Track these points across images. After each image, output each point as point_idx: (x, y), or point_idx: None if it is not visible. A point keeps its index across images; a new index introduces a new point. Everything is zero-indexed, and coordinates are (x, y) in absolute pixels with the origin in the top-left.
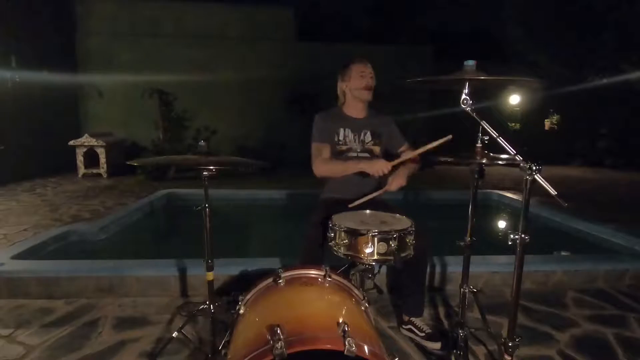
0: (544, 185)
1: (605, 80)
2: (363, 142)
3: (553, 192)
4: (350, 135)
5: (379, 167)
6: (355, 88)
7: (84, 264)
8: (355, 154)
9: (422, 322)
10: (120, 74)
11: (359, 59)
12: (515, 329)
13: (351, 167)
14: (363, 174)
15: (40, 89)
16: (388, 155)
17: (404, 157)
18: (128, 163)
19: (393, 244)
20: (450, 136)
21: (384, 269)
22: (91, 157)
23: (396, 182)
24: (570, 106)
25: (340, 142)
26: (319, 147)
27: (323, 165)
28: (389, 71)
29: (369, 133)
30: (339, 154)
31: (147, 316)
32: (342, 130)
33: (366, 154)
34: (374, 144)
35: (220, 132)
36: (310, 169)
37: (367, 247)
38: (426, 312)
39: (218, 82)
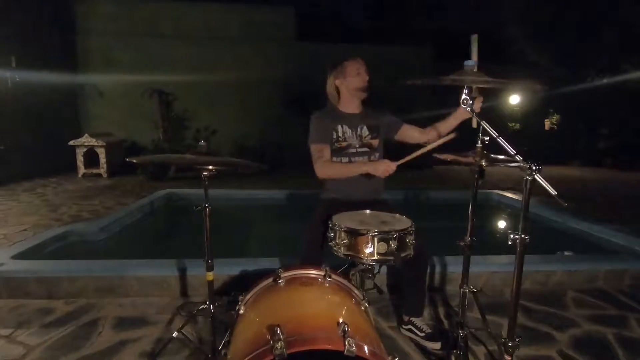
0: (544, 185)
1: (605, 80)
2: (361, 137)
3: (553, 192)
4: (349, 132)
5: (384, 168)
6: (352, 86)
7: (84, 264)
8: (354, 150)
9: (422, 322)
10: (120, 74)
11: (352, 57)
12: (515, 329)
13: (355, 170)
14: (364, 174)
15: (40, 89)
16: (389, 145)
17: (409, 156)
18: (127, 160)
19: (393, 244)
20: (453, 134)
21: (384, 269)
22: (91, 157)
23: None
24: (570, 106)
25: (340, 139)
26: (320, 148)
27: (326, 169)
28: (389, 71)
29: (365, 127)
30: (338, 151)
31: (147, 316)
32: (339, 127)
33: (365, 149)
34: (372, 138)
35: (220, 132)
36: (310, 170)
37: (367, 247)
38: (426, 312)
39: (218, 82)
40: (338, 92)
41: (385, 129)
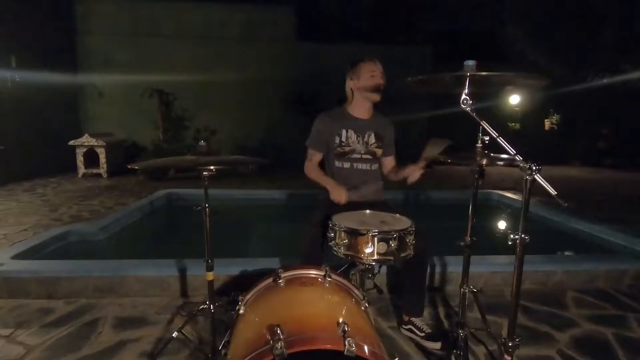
0: (544, 185)
1: (605, 80)
2: (367, 143)
3: (553, 192)
4: (354, 137)
5: (337, 195)
6: (364, 88)
7: (84, 264)
8: (359, 155)
9: (422, 322)
10: (120, 74)
11: (369, 58)
12: (515, 329)
13: (323, 183)
14: (362, 174)
15: (40, 89)
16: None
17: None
18: (129, 167)
19: (393, 244)
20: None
21: (384, 269)
22: (91, 157)
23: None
24: (570, 106)
25: (343, 144)
26: (311, 153)
27: (309, 172)
28: (389, 72)
29: (373, 135)
30: (341, 155)
31: (147, 316)
32: (344, 131)
33: (369, 156)
34: (377, 147)
35: (220, 132)
36: None
37: (367, 247)
38: (426, 312)
39: (218, 82)
40: (353, 93)
41: (385, 143)
